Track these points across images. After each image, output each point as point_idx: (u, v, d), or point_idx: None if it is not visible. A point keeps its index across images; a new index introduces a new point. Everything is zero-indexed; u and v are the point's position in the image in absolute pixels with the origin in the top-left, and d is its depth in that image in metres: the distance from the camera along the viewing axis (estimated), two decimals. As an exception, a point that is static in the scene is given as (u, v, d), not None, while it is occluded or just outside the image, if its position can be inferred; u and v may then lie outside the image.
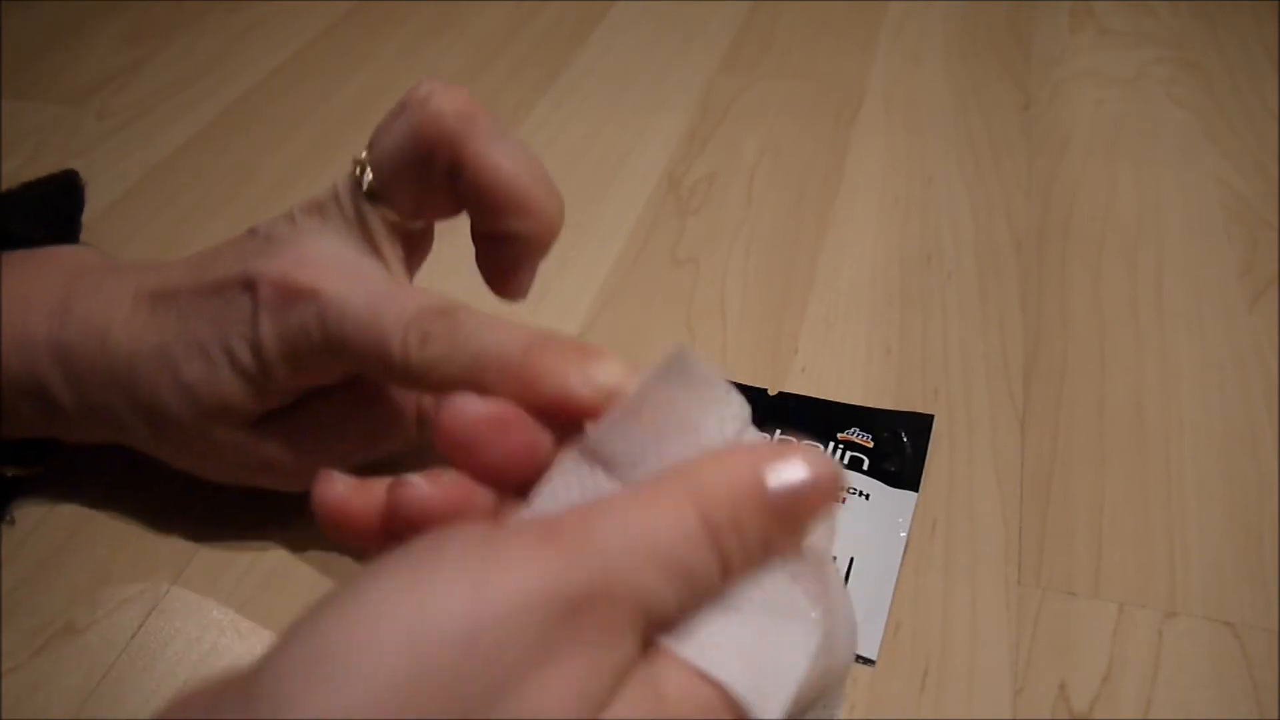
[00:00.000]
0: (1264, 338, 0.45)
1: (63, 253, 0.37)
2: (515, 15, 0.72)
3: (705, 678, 0.21)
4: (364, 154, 0.33)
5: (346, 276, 0.31)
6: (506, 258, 0.33)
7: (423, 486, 0.23)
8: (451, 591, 0.18)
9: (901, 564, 0.35)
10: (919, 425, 0.40)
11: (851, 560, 0.35)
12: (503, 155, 0.31)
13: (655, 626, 0.21)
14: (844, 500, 0.37)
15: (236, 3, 0.73)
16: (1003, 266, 0.49)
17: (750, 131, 0.60)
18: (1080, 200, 0.54)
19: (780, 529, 0.22)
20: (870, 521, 0.36)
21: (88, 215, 0.42)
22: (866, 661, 0.33)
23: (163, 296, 0.33)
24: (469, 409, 0.24)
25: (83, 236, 0.41)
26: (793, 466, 0.22)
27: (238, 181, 0.55)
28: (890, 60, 0.67)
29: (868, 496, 0.37)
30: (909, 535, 0.36)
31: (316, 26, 0.70)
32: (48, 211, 0.42)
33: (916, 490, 0.38)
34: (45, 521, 0.37)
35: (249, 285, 0.31)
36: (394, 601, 0.18)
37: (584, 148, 0.58)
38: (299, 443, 0.34)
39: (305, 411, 0.34)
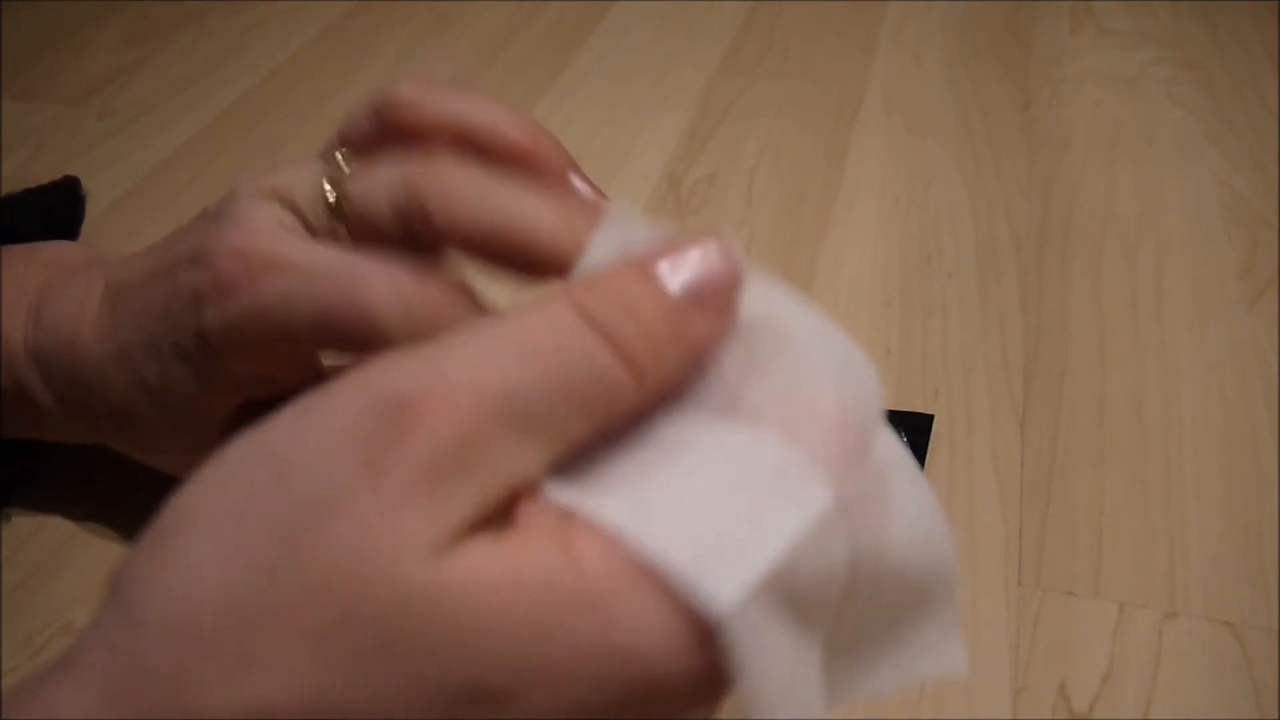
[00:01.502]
0: (1264, 338, 0.45)
1: (40, 249, 0.36)
2: (515, 15, 0.72)
3: (622, 545, 0.18)
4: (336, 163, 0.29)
5: (308, 248, 0.28)
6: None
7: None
8: (279, 427, 0.19)
9: (901, 564, 0.35)
10: (919, 425, 0.40)
11: (851, 560, 0.35)
12: (465, 103, 0.30)
13: (547, 433, 0.19)
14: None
15: (236, 3, 0.73)
16: (1003, 266, 0.49)
17: (750, 131, 0.60)
18: (1080, 200, 0.54)
19: (696, 322, 0.20)
20: (870, 521, 0.36)
21: (88, 216, 0.42)
22: (866, 661, 0.33)
23: (121, 291, 0.32)
24: None
25: (83, 238, 0.41)
26: (681, 250, 0.20)
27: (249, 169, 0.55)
28: (890, 60, 0.67)
29: (868, 496, 0.37)
30: (909, 535, 0.36)
31: (316, 26, 0.70)
32: (48, 218, 0.42)
33: (916, 490, 0.38)
34: (45, 523, 0.37)
35: (198, 260, 0.29)
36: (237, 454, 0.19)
37: (584, 148, 0.58)
38: None
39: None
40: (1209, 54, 0.68)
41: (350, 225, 0.28)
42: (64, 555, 0.36)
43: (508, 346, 0.19)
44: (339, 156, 0.29)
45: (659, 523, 0.18)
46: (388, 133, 0.30)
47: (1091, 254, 0.50)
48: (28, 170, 0.55)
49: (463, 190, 0.26)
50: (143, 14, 0.72)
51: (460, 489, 0.18)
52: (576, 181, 0.30)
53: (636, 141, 0.59)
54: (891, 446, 0.21)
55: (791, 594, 0.18)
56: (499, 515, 0.19)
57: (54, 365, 0.32)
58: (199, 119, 0.60)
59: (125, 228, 0.51)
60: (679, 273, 0.19)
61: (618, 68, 0.66)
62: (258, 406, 0.31)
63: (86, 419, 0.33)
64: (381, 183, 0.27)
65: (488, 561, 0.18)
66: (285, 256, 0.28)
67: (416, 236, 0.27)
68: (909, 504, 0.20)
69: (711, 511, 0.18)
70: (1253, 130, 0.60)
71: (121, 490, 0.37)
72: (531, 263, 0.24)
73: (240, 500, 0.19)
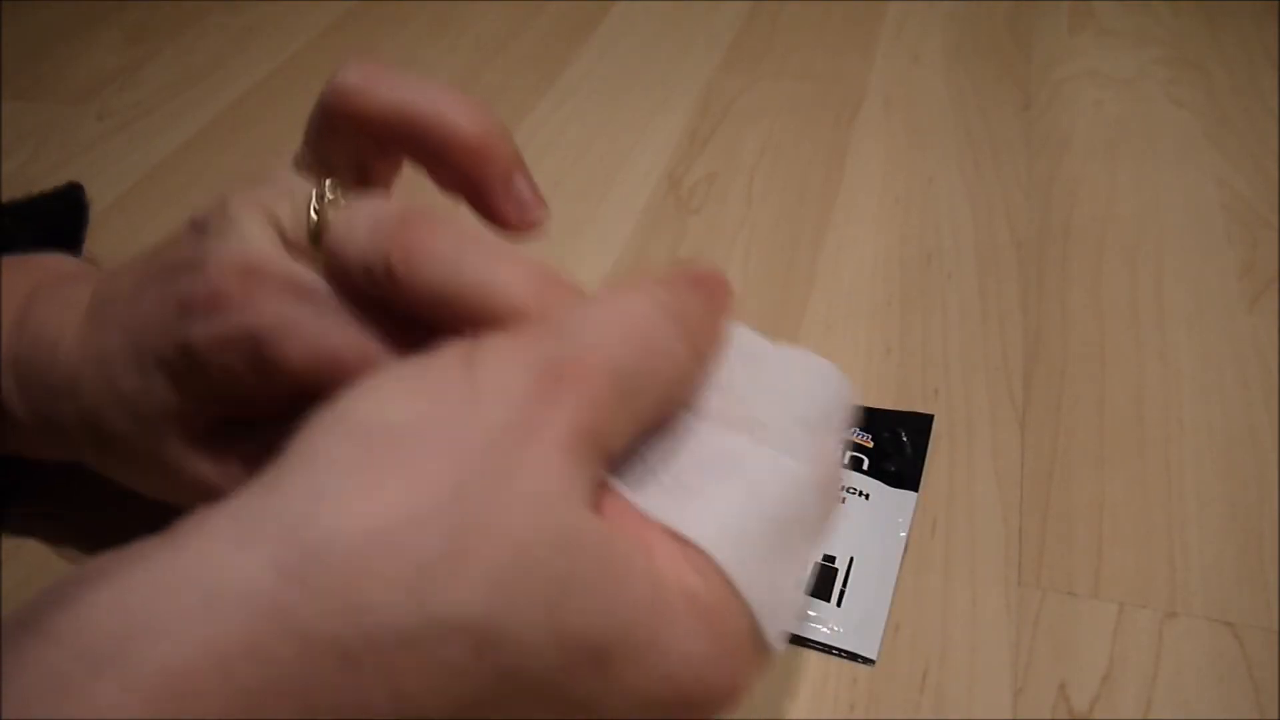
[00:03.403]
0: (1264, 338, 0.45)
1: (32, 259, 0.36)
2: (515, 15, 0.72)
3: (702, 559, 0.21)
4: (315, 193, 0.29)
5: (316, 278, 0.28)
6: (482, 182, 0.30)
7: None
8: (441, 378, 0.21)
9: (901, 564, 0.35)
10: (919, 425, 0.40)
11: (851, 560, 0.35)
12: (413, 90, 0.29)
13: (634, 409, 0.21)
14: (843, 500, 0.37)
15: (236, 3, 0.73)
16: (1003, 266, 0.49)
17: (750, 131, 0.60)
18: (1080, 200, 0.54)
19: (718, 320, 0.25)
20: (870, 521, 0.36)
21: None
22: (866, 661, 0.33)
23: (106, 300, 0.31)
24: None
25: (84, 243, 0.41)
26: (696, 271, 0.25)
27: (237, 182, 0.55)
28: (890, 60, 0.67)
29: (868, 496, 0.37)
30: (909, 535, 0.36)
31: (316, 27, 0.70)
32: (49, 228, 0.41)
33: (916, 490, 0.38)
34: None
35: (192, 269, 0.28)
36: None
37: (584, 148, 0.58)
38: (254, 467, 0.32)
39: (261, 434, 0.30)
40: (1209, 54, 0.68)
41: (327, 264, 0.27)
42: (64, 555, 0.36)
43: (620, 328, 0.22)
44: (326, 185, 0.28)
45: (736, 554, 0.21)
46: (337, 120, 0.29)
47: (1091, 254, 0.50)
48: (28, 170, 0.55)
49: (432, 255, 0.25)
50: (143, 14, 0.72)
51: (593, 453, 0.20)
52: (520, 184, 0.29)
53: (636, 141, 0.59)
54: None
55: None
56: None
57: (31, 373, 0.31)
58: (199, 119, 0.60)
59: (125, 228, 0.51)
60: (694, 280, 0.25)
61: (618, 68, 0.66)
62: (233, 424, 0.30)
63: (57, 431, 0.32)
64: (357, 234, 0.26)
65: (618, 539, 0.20)
66: (291, 279, 0.27)
67: (382, 292, 0.26)
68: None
69: (770, 551, 0.22)
70: (1253, 130, 0.60)
71: (100, 517, 0.37)
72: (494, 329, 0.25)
73: (422, 422, 0.19)
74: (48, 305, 0.32)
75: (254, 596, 0.17)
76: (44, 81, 0.64)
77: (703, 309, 0.24)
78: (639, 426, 0.22)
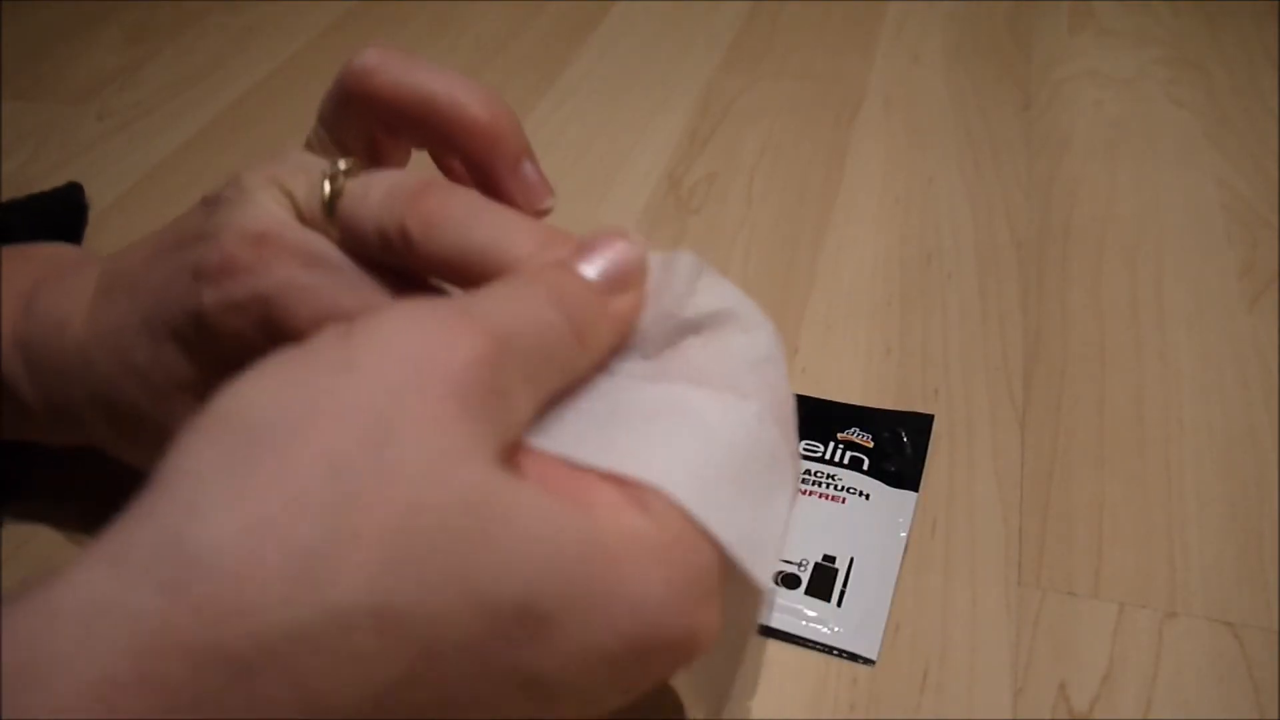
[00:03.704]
0: (1264, 338, 0.45)
1: (37, 248, 0.36)
2: (515, 15, 0.72)
3: (652, 498, 0.21)
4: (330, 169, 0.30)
5: (324, 243, 0.28)
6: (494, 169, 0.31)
7: None
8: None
9: (901, 564, 0.35)
10: (919, 425, 0.40)
11: (851, 560, 0.35)
12: (428, 74, 0.29)
13: (527, 372, 0.21)
14: (844, 500, 0.37)
15: (236, 3, 0.73)
16: (1003, 266, 0.50)
17: (750, 131, 0.60)
18: (1080, 201, 0.54)
19: (616, 301, 0.24)
20: (870, 521, 0.36)
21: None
22: (866, 661, 0.33)
23: (115, 275, 0.31)
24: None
25: (84, 241, 0.41)
26: (593, 248, 0.25)
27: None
28: (890, 60, 0.67)
29: (868, 496, 0.37)
30: (909, 535, 0.36)
31: (316, 27, 0.70)
32: (49, 226, 0.41)
33: (916, 490, 0.38)
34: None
35: (205, 238, 0.28)
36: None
37: (584, 148, 0.58)
38: None
39: None
40: (1209, 54, 0.68)
41: (341, 231, 0.28)
42: (64, 555, 0.36)
43: (509, 307, 0.22)
44: (341, 162, 0.29)
45: (692, 487, 0.20)
46: (353, 100, 0.30)
47: (1091, 254, 0.50)
48: (28, 170, 0.55)
49: (446, 220, 0.25)
50: (143, 14, 0.72)
51: (492, 410, 0.20)
52: (528, 169, 0.30)
53: (636, 141, 0.59)
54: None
55: None
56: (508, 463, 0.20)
57: (40, 354, 0.32)
58: (199, 119, 0.60)
59: (125, 228, 0.51)
60: (594, 264, 0.24)
61: (618, 68, 0.66)
62: None
63: (68, 412, 0.32)
64: (372, 201, 0.27)
65: (533, 493, 0.19)
66: (303, 246, 0.27)
67: (396, 257, 0.26)
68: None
69: (735, 485, 0.21)
70: (1253, 130, 0.60)
71: (110, 503, 0.37)
72: None
73: (295, 405, 0.19)
74: (53, 292, 0.33)
75: (137, 621, 0.16)
76: (44, 81, 0.64)
77: (579, 285, 0.23)
78: (539, 389, 0.22)
